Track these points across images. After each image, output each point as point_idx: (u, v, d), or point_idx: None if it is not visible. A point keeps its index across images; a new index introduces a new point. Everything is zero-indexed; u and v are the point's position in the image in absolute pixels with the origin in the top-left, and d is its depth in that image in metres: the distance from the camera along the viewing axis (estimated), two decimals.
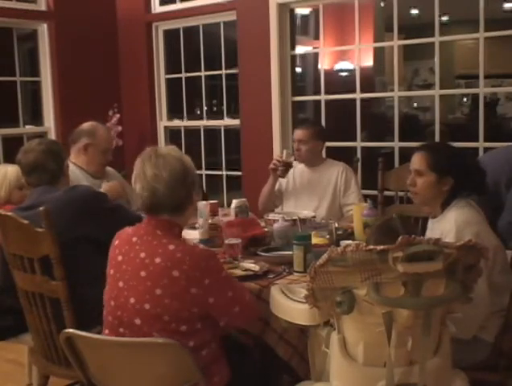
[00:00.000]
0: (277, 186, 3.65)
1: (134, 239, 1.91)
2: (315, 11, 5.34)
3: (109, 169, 3.52)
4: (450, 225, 2.21)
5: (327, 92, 4.55)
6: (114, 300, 1.90)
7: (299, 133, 3.56)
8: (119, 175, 3.64)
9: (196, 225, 2.91)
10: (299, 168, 3.64)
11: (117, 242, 1.98)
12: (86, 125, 3.33)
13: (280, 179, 3.62)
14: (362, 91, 4.35)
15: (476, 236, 2.11)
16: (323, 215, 3.39)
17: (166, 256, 1.82)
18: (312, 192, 3.57)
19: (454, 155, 2.38)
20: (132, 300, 1.84)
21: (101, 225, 2.38)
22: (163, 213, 1.91)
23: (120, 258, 1.91)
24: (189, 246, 1.91)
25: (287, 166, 3.50)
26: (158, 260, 1.82)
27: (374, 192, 3.76)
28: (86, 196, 2.44)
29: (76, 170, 3.24)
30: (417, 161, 2.38)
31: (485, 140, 3.85)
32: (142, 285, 1.82)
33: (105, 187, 3.13)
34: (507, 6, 7.58)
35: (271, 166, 3.51)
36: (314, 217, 3.18)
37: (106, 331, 1.96)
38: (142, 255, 1.85)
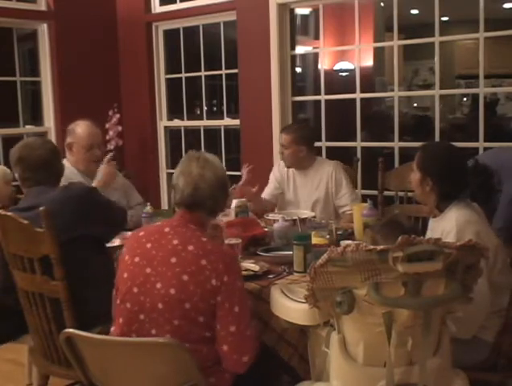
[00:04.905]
0: (273, 192, 3.67)
1: (167, 229, 1.96)
2: (315, 11, 5.34)
3: None
4: (451, 225, 2.21)
5: (327, 92, 4.55)
6: (138, 286, 1.90)
7: (281, 137, 3.56)
8: (119, 173, 3.64)
9: None
10: (290, 175, 3.64)
11: (141, 233, 2.01)
12: (71, 125, 3.38)
13: (277, 186, 3.65)
14: (362, 91, 4.35)
15: (477, 236, 2.11)
16: (317, 217, 3.39)
17: (198, 245, 1.89)
18: (305, 197, 3.58)
19: (439, 157, 2.35)
20: (159, 285, 1.86)
21: (99, 220, 2.41)
22: (199, 212, 1.99)
23: (149, 245, 1.93)
24: (220, 244, 2.06)
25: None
26: (191, 247, 1.88)
27: (374, 192, 3.77)
28: (82, 194, 2.44)
29: (72, 169, 3.27)
30: (415, 158, 2.40)
31: (485, 140, 3.85)
32: (171, 270, 1.86)
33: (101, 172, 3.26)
34: (507, 5, 7.58)
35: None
36: (314, 217, 3.18)
37: (120, 320, 1.95)
38: (175, 242, 1.90)
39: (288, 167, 3.60)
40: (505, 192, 3.01)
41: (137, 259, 1.93)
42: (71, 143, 3.32)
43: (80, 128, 3.33)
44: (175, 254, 1.88)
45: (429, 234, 2.36)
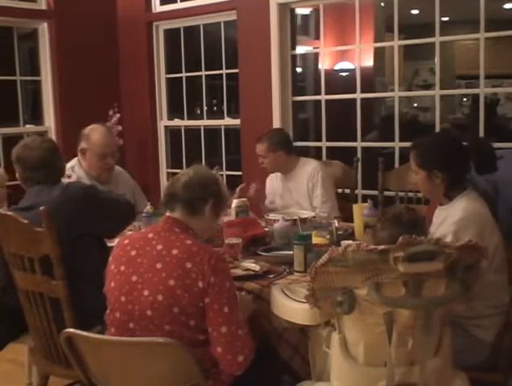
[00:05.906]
0: (268, 200, 3.69)
1: (150, 235, 1.95)
2: (316, 11, 5.34)
3: (117, 169, 3.49)
4: (458, 211, 2.22)
5: (327, 92, 4.55)
6: (126, 295, 1.88)
7: (256, 148, 3.58)
8: (128, 175, 3.62)
9: None
10: (279, 183, 3.66)
11: (126, 241, 1.99)
12: (86, 129, 3.31)
13: (272, 199, 3.66)
14: (362, 91, 4.35)
15: (481, 229, 2.14)
16: None
17: (183, 249, 1.87)
18: (292, 200, 3.59)
19: (436, 147, 2.37)
20: (146, 292, 1.85)
21: (99, 218, 2.41)
22: (176, 208, 1.98)
23: (134, 253, 1.91)
24: (206, 244, 1.97)
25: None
26: (175, 251, 1.86)
27: (375, 192, 3.77)
28: (81, 193, 2.43)
29: (83, 173, 3.26)
30: (410, 160, 2.41)
31: None
32: (157, 276, 1.84)
33: None
34: (507, 6, 7.57)
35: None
36: (314, 217, 3.18)
37: (112, 330, 1.94)
38: (159, 247, 1.89)
39: (272, 172, 3.63)
40: (503, 203, 2.98)
41: (122, 267, 1.92)
42: (84, 149, 3.27)
43: (96, 135, 3.26)
44: (160, 260, 1.86)
45: (435, 222, 2.37)
